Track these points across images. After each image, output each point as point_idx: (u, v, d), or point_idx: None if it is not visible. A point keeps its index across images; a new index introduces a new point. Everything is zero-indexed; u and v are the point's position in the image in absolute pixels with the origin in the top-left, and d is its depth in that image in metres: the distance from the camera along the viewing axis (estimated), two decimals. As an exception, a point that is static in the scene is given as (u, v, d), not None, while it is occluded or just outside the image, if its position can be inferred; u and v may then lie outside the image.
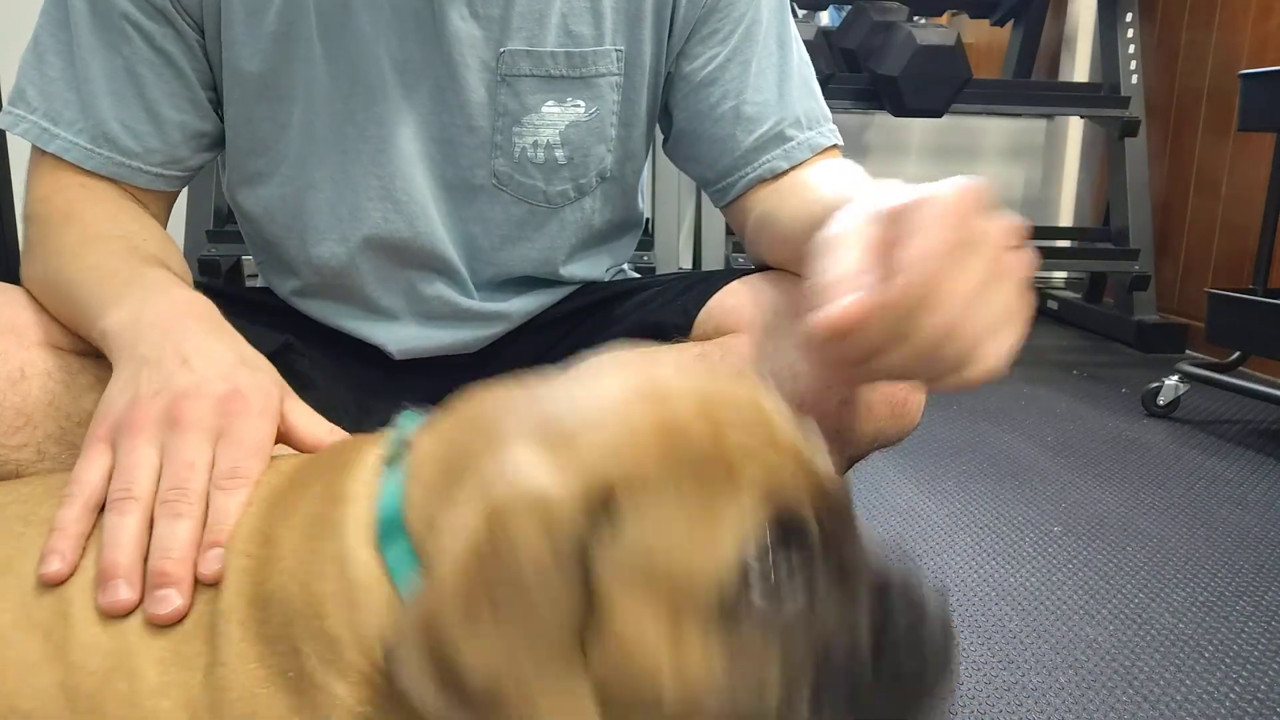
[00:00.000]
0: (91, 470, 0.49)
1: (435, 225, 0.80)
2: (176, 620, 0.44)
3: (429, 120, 0.78)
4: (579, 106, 0.80)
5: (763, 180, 0.82)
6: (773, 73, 0.83)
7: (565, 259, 0.85)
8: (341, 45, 0.74)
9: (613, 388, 0.38)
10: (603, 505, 0.34)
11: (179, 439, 0.49)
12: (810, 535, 0.34)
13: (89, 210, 0.70)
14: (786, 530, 0.34)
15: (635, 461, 0.34)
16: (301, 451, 0.55)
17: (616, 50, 0.79)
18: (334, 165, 0.78)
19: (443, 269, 0.82)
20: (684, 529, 0.33)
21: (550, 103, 0.79)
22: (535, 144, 0.80)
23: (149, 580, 0.45)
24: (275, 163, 0.78)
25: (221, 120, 0.79)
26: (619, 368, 0.40)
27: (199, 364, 0.53)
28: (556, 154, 0.80)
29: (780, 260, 0.80)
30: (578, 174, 0.82)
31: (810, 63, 0.87)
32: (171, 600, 0.44)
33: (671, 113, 0.86)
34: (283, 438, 0.55)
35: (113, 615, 0.44)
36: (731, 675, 0.33)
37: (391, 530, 0.42)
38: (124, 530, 0.46)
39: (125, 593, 0.44)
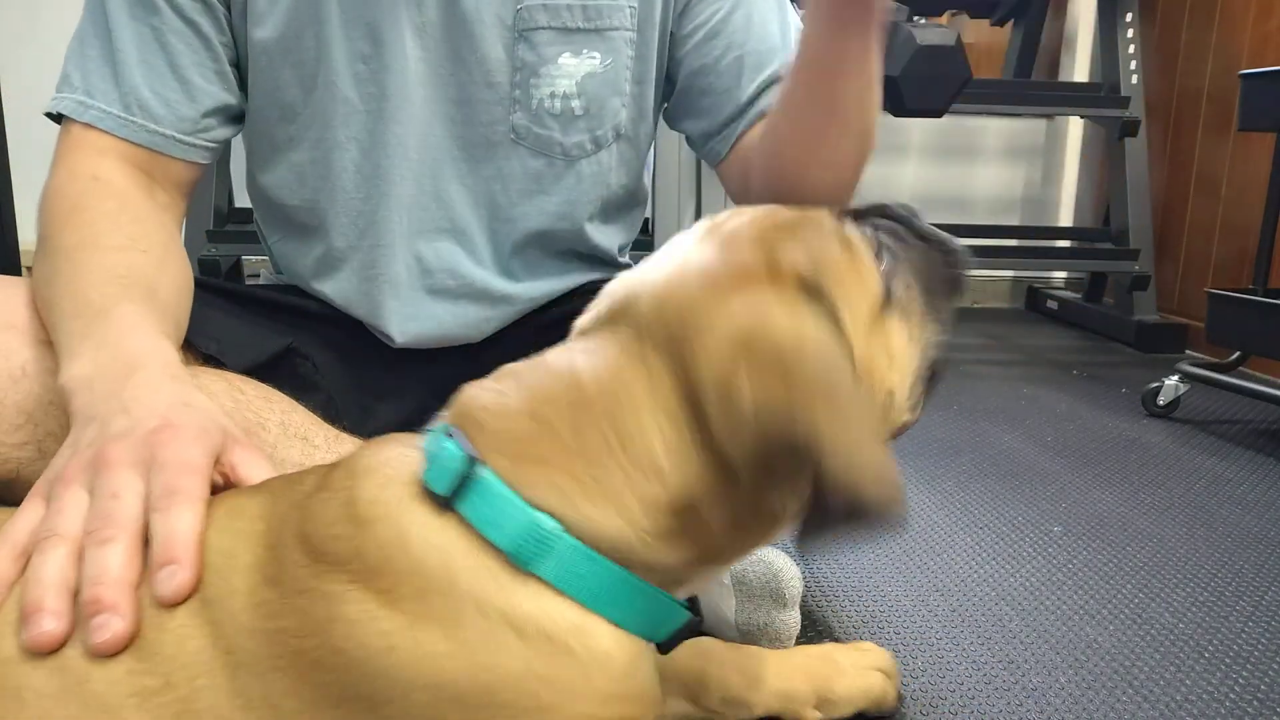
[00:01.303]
0: (21, 522, 0.47)
1: (454, 184, 0.82)
2: (122, 646, 0.42)
3: (447, 81, 0.80)
4: (594, 58, 0.81)
5: (762, 116, 0.82)
6: (775, 24, 0.84)
7: (588, 217, 0.86)
8: (360, 8, 0.76)
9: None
10: (810, 289, 0.44)
11: (104, 476, 0.47)
12: (894, 229, 0.51)
13: (93, 208, 0.70)
14: (880, 235, 0.50)
15: (785, 245, 0.45)
16: None
17: (630, 6, 0.81)
18: (358, 126, 0.80)
19: (459, 232, 0.83)
20: (848, 268, 0.46)
21: (567, 54, 0.81)
22: (552, 94, 0.81)
23: (83, 613, 0.42)
24: (303, 127, 0.80)
25: (245, 95, 0.81)
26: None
27: (137, 409, 0.52)
28: (573, 104, 0.82)
29: (789, 146, 0.75)
30: (594, 125, 0.83)
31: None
32: (110, 625, 0.42)
33: (674, 75, 0.86)
34: (228, 485, 0.52)
35: (40, 651, 0.42)
36: (908, 332, 0.48)
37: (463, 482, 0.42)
38: (46, 566, 0.44)
39: (50, 624, 0.42)
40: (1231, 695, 0.83)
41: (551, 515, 0.42)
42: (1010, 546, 1.15)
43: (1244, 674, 0.87)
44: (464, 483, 0.42)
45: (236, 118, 0.81)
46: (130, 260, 0.67)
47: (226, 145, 0.84)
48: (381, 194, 0.81)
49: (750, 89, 0.82)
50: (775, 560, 0.79)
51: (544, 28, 0.79)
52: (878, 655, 0.74)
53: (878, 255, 0.48)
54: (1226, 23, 2.42)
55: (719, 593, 0.80)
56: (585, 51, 0.81)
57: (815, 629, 0.92)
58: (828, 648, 0.74)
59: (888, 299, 0.47)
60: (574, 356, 0.45)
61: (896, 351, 0.47)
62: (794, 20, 0.85)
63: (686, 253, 0.47)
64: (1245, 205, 2.32)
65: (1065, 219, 3.10)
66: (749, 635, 0.79)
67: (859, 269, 0.47)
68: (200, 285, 0.85)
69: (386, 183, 0.80)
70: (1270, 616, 0.98)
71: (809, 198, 0.68)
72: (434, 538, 0.41)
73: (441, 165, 0.81)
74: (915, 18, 2.51)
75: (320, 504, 0.44)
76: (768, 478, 0.42)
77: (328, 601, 0.41)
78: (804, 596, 0.83)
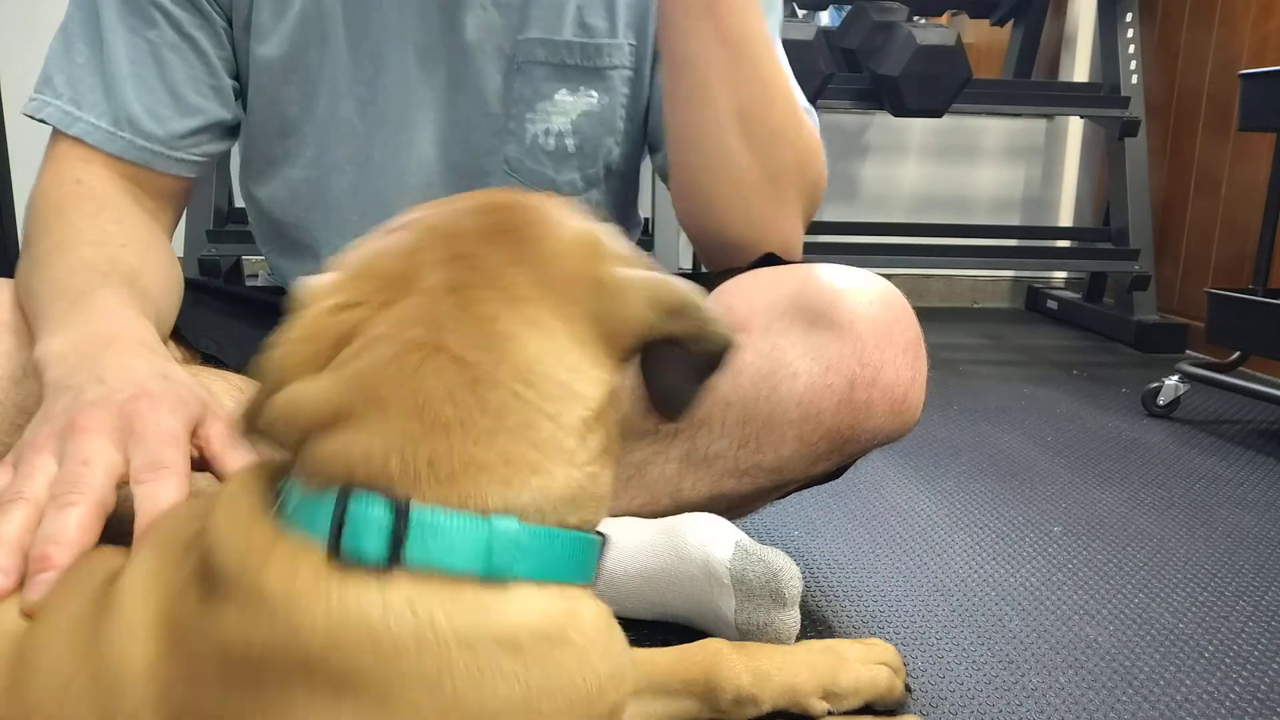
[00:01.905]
0: None
1: None
2: None
3: (445, 105, 0.80)
4: (591, 97, 0.81)
5: None
6: None
7: None
8: (366, 31, 0.76)
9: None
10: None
11: (74, 442, 0.47)
12: None
13: (73, 209, 0.69)
14: None
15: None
16: (220, 480, 0.51)
17: (630, 44, 0.81)
18: (356, 148, 0.79)
19: None
20: None
21: (563, 91, 0.81)
22: (547, 131, 0.81)
23: (30, 568, 0.42)
24: (301, 144, 0.80)
25: (243, 109, 0.80)
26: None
27: (113, 378, 0.52)
28: (567, 142, 0.82)
29: (677, 146, 0.77)
30: (586, 164, 0.83)
31: (788, 62, 0.87)
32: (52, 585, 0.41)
33: (653, 106, 0.86)
34: (204, 463, 0.52)
35: None
36: None
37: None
38: (5, 525, 0.44)
39: None
40: (1231, 696, 0.83)
41: (506, 513, 0.39)
42: (1010, 546, 1.15)
43: (1244, 674, 0.87)
44: (400, 536, 0.37)
45: (230, 132, 0.80)
46: (108, 253, 0.67)
47: (223, 154, 0.83)
48: (377, 217, 0.80)
49: None
50: (775, 560, 0.79)
51: (542, 63, 0.79)
52: (883, 650, 0.76)
53: None
54: (1226, 23, 2.42)
55: (718, 592, 0.80)
56: (582, 89, 0.81)
57: (815, 629, 0.92)
58: (833, 642, 0.76)
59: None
60: (411, 335, 0.40)
61: None
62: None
63: (469, 207, 0.47)
64: (1245, 205, 2.32)
65: (1065, 219, 3.10)
66: (748, 635, 0.79)
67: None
68: (200, 286, 0.85)
69: (383, 206, 0.80)
70: (1270, 616, 0.98)
71: (720, 227, 0.72)
72: (391, 602, 0.37)
73: (436, 191, 0.81)
74: (915, 18, 2.52)
75: (218, 612, 0.38)
76: (638, 365, 0.46)
77: (265, 709, 0.37)
78: (804, 596, 0.83)
